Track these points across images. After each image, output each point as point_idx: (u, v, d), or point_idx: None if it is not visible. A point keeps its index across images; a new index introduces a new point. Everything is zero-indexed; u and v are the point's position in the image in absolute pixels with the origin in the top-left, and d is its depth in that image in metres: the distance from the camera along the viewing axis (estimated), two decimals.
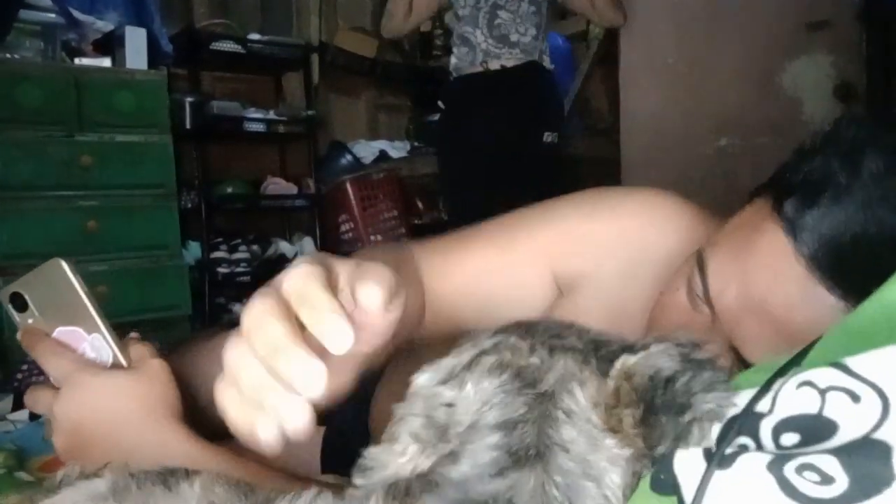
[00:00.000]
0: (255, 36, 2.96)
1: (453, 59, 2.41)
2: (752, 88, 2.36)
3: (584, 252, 0.68)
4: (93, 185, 2.31)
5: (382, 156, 3.24)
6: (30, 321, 0.59)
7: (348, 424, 0.83)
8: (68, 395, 0.56)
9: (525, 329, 0.40)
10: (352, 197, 3.12)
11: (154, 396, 0.57)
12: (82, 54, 2.39)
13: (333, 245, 3.20)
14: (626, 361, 0.36)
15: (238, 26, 3.05)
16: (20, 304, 0.59)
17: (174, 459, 0.52)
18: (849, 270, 0.46)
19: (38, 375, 1.42)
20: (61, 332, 0.58)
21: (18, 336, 0.59)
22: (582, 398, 0.35)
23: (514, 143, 2.30)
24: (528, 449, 0.34)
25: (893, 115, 0.48)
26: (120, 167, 2.36)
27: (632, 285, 0.67)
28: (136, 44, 2.43)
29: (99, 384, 0.56)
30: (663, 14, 2.57)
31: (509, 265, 0.71)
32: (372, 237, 3.13)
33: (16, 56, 2.27)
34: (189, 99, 2.73)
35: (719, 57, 2.43)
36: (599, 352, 0.38)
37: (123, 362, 0.59)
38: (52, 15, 2.35)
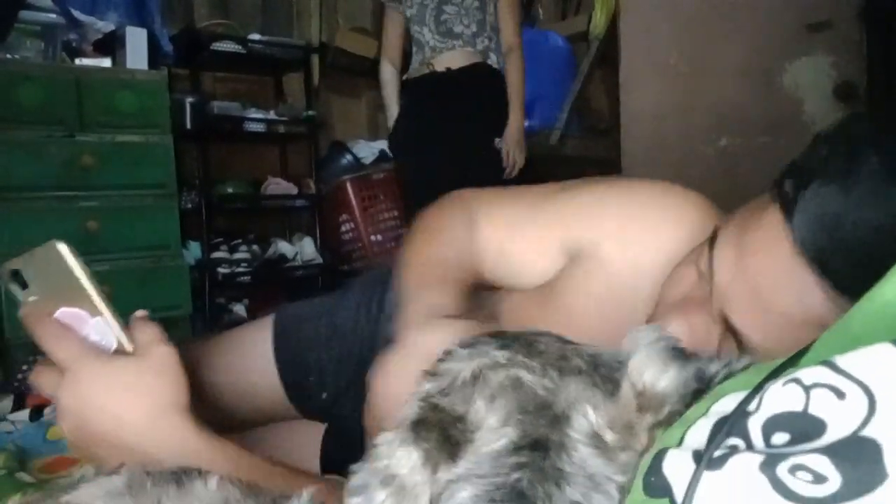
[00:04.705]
0: (255, 36, 2.96)
1: (410, 67, 2.43)
2: (752, 88, 2.36)
3: (590, 225, 0.72)
4: (93, 186, 2.31)
5: (383, 156, 3.24)
6: (31, 299, 0.57)
7: (349, 424, 0.83)
8: (73, 386, 0.54)
9: (527, 347, 0.41)
10: (352, 197, 3.12)
11: (161, 389, 0.55)
12: (83, 54, 2.40)
13: (334, 245, 3.20)
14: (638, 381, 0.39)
15: (239, 26, 3.05)
16: (21, 281, 0.56)
17: (182, 452, 0.54)
18: (834, 258, 0.46)
19: None
20: (64, 312, 0.55)
21: (20, 314, 0.57)
22: (595, 419, 0.37)
23: (463, 149, 2.29)
24: (545, 470, 0.35)
25: None
26: (120, 167, 2.36)
27: (636, 274, 0.69)
28: (136, 44, 2.44)
29: (104, 376, 0.54)
30: (664, 14, 2.57)
31: (530, 230, 0.77)
32: (372, 237, 3.13)
33: (16, 56, 2.27)
34: (190, 99, 2.73)
35: (720, 57, 2.43)
36: (599, 371, 0.40)
37: (128, 348, 0.56)
38: (53, 15, 2.35)
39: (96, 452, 0.55)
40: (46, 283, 0.56)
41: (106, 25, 2.45)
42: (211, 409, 0.85)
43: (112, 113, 2.35)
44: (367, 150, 3.30)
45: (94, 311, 0.55)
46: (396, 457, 0.36)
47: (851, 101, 2.14)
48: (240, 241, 3.00)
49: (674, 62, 2.55)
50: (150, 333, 0.57)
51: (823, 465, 0.29)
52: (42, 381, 0.55)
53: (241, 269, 2.91)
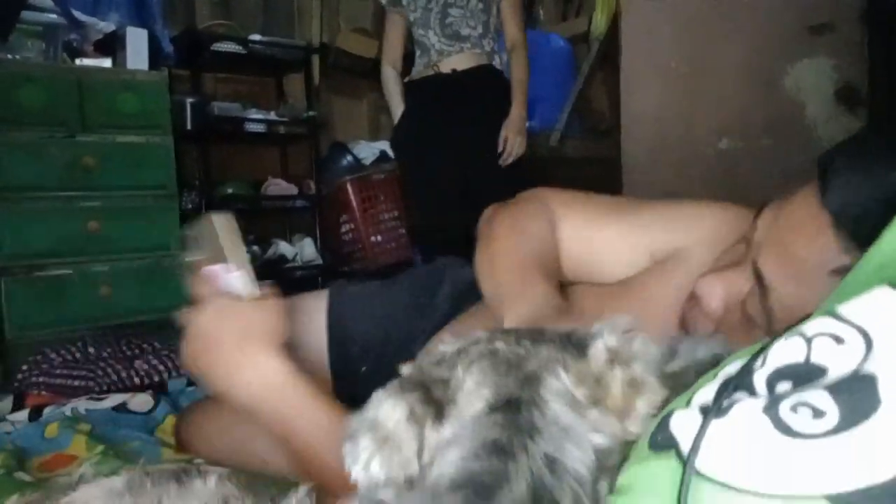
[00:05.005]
0: (256, 37, 2.96)
1: (413, 69, 2.41)
2: (753, 90, 2.36)
3: (684, 231, 0.81)
4: (94, 186, 2.31)
5: (383, 156, 3.24)
6: (192, 258, 0.79)
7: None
8: (204, 316, 0.73)
9: (506, 329, 0.47)
10: (352, 197, 3.12)
11: (262, 324, 0.73)
12: (84, 55, 2.40)
13: (334, 246, 3.20)
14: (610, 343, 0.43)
15: (239, 27, 3.05)
16: (188, 245, 0.82)
17: (267, 379, 0.71)
18: (854, 215, 0.52)
19: (37, 376, 1.42)
20: (210, 269, 0.76)
21: (180, 267, 0.79)
22: (566, 378, 0.40)
23: (466, 151, 2.28)
24: (521, 425, 0.38)
25: None
26: (121, 168, 2.36)
27: None
28: (137, 45, 2.44)
29: (226, 311, 0.74)
30: (665, 16, 2.57)
31: (616, 232, 0.85)
32: (372, 238, 3.13)
33: (17, 57, 2.27)
34: (190, 100, 2.73)
35: (721, 59, 2.43)
36: (571, 340, 0.44)
37: (252, 296, 0.75)
38: (54, 16, 2.35)
39: (206, 372, 0.73)
40: (203, 246, 0.79)
41: (107, 26, 2.45)
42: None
43: (113, 114, 2.35)
44: (368, 150, 3.30)
45: (233, 268, 0.75)
46: (384, 408, 0.40)
47: (853, 104, 2.14)
48: None
49: (675, 64, 2.55)
50: (269, 292, 0.77)
51: (823, 399, 0.30)
52: (186, 316, 0.74)
53: None
